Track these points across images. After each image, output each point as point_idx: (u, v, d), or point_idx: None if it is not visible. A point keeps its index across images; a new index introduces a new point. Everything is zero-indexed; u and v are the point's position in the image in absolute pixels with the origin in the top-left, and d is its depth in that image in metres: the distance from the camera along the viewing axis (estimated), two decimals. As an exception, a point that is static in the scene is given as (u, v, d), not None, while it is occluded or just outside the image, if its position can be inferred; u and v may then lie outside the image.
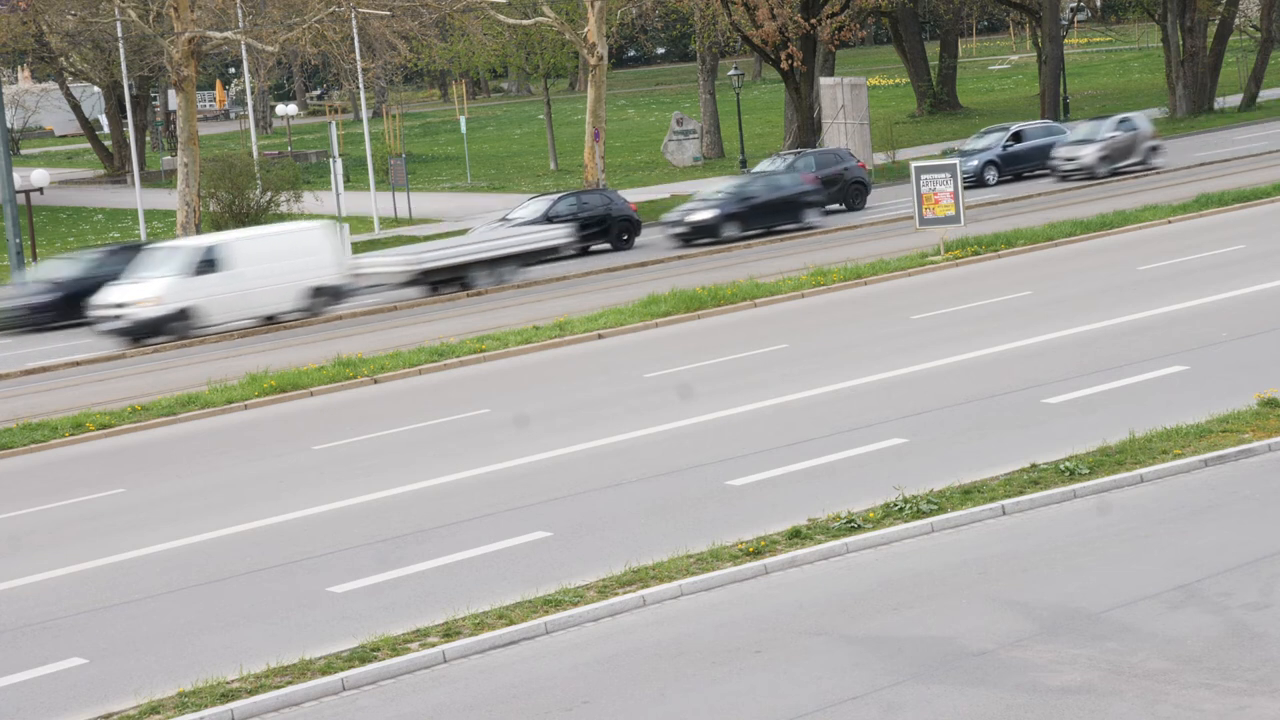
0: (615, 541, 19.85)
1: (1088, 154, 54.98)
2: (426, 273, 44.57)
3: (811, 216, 51.27)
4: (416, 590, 18.81)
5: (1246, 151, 57.83)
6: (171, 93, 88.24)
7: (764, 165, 56.07)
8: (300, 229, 44.66)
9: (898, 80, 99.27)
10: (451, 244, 48.09)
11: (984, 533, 18.97)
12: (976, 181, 56.19)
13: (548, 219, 50.56)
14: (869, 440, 23.37)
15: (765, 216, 50.77)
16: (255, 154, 61.81)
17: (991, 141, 58.68)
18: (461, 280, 44.97)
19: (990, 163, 57.52)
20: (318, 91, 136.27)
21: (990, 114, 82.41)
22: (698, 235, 49.74)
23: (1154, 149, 56.17)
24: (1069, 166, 55.30)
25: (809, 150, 57.53)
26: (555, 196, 52.87)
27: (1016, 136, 58.48)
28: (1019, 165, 58.14)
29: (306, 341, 39.24)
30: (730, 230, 49.77)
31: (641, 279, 43.41)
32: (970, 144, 59.83)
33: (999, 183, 57.20)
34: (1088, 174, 54.77)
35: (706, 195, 51.29)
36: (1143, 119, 57.52)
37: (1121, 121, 56.40)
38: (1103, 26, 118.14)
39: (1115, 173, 54.98)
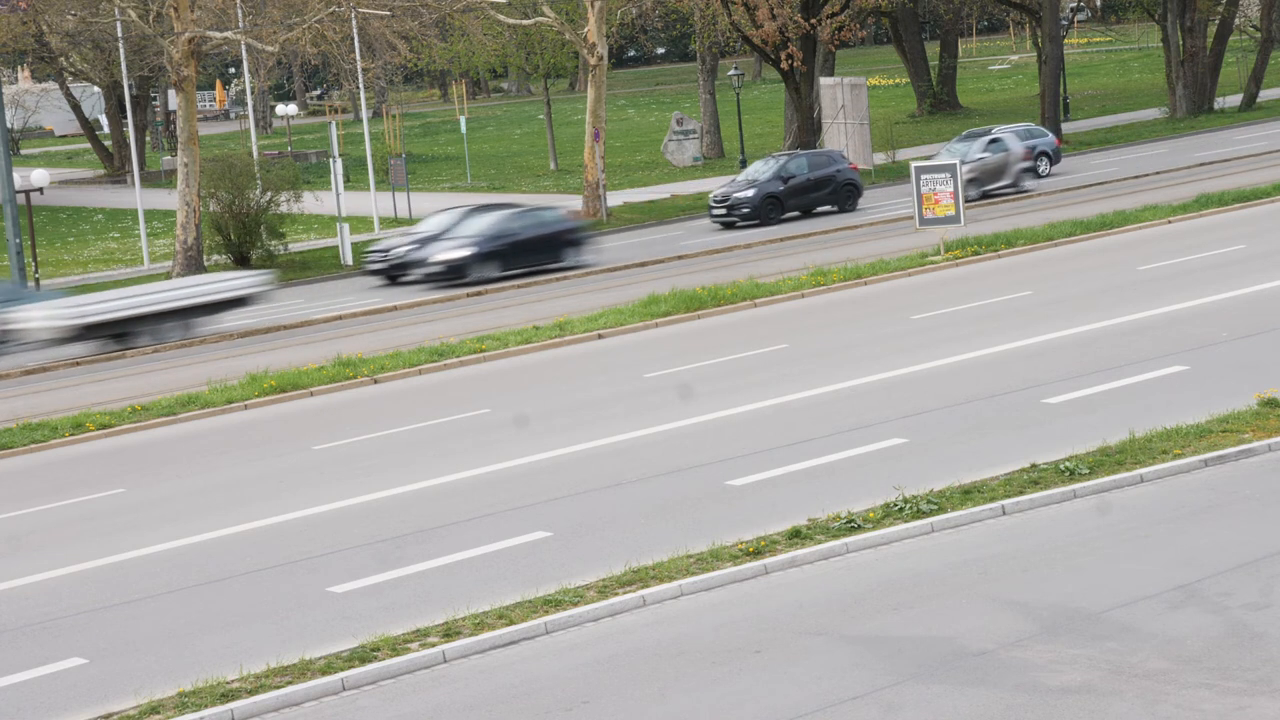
0: (615, 541, 19.85)
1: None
2: (89, 327, 40.02)
3: (574, 256, 47.38)
4: (416, 590, 18.81)
5: (1246, 151, 57.82)
6: (171, 93, 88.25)
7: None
8: None
9: (898, 80, 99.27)
10: (124, 294, 43.02)
11: (984, 533, 18.97)
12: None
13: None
14: (869, 440, 23.37)
15: (524, 256, 46.71)
16: (255, 154, 61.80)
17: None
18: (130, 335, 40.65)
19: (972, 181, 56.67)
20: (318, 91, 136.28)
21: (990, 114, 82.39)
22: (446, 277, 45.86)
23: (1026, 170, 54.04)
24: (969, 178, 51.72)
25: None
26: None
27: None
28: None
29: (306, 341, 39.25)
30: (484, 272, 45.88)
31: (641, 279, 43.41)
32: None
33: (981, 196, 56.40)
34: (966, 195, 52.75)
35: (461, 232, 47.23)
36: (1015, 139, 55.17)
37: (992, 142, 54.43)
38: (1103, 26, 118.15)
39: (986, 195, 52.67)
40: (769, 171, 53.90)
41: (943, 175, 40.95)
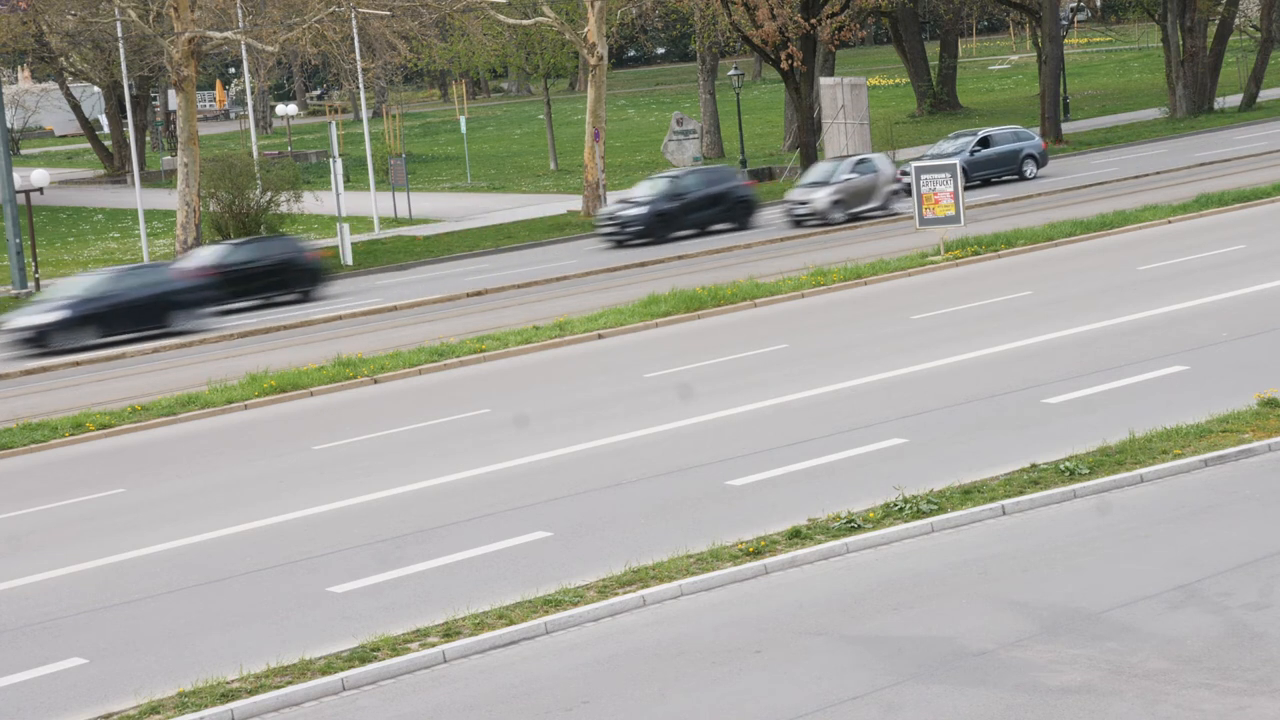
0: (615, 541, 19.85)
1: (820, 198, 50.76)
2: None
3: (187, 320, 42.39)
4: (416, 590, 18.81)
5: (1246, 151, 57.81)
6: (171, 93, 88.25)
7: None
8: None
9: (898, 80, 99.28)
10: None
11: (984, 533, 18.97)
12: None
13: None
14: (869, 440, 23.37)
15: (116, 322, 41.58)
16: (255, 154, 61.80)
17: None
18: None
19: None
20: (318, 91, 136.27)
21: (990, 114, 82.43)
22: (34, 343, 40.80)
23: (896, 192, 51.31)
24: (801, 211, 51.14)
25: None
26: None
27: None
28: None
29: (306, 341, 39.24)
30: (71, 340, 40.83)
31: (641, 279, 43.41)
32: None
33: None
34: (821, 219, 50.58)
35: (47, 297, 43.18)
36: (884, 160, 53.36)
37: (860, 163, 52.27)
38: (1103, 26, 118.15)
39: (855, 218, 50.85)
40: (661, 188, 52.29)
41: (943, 175, 40.93)
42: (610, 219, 52.23)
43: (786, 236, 49.64)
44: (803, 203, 51.21)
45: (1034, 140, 58.06)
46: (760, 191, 55.91)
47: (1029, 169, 57.45)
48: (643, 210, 51.50)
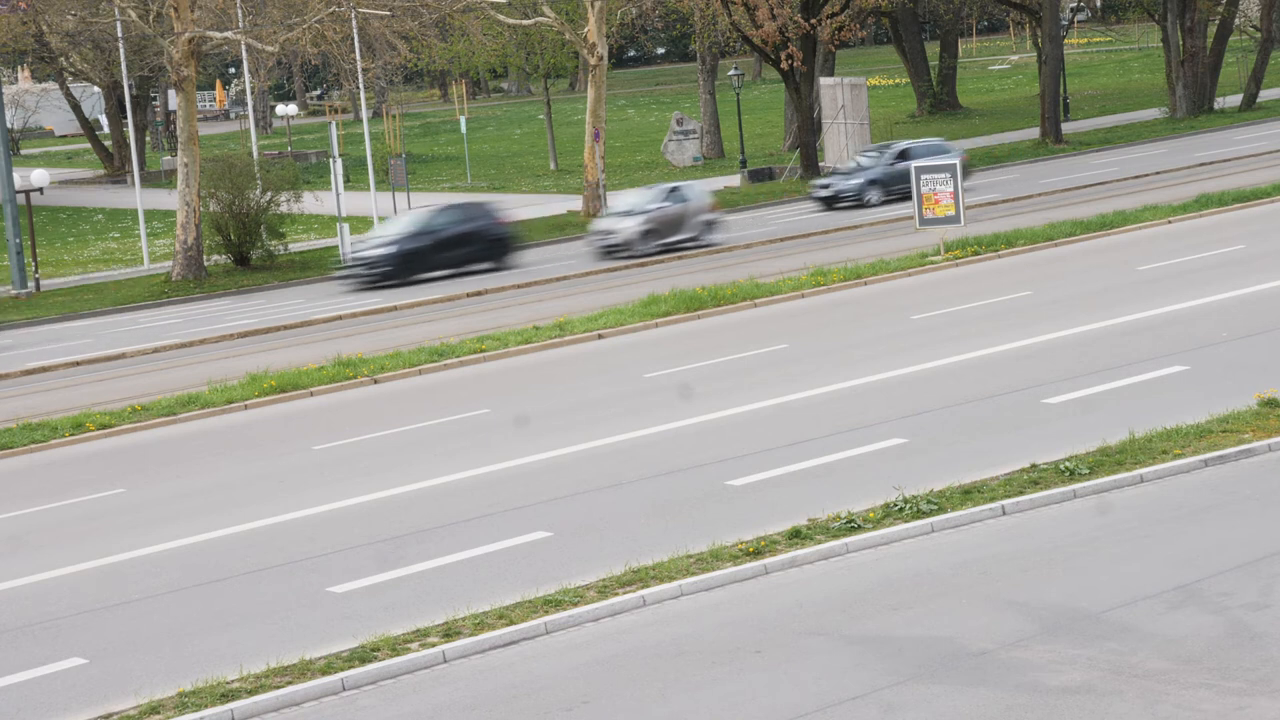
0: (615, 541, 19.85)
1: (630, 228, 48.18)
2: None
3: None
4: (416, 590, 18.81)
5: (1246, 151, 57.82)
6: (171, 93, 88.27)
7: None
8: None
9: (898, 80, 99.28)
10: None
11: (984, 533, 18.97)
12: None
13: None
14: (869, 440, 23.37)
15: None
16: (255, 154, 61.80)
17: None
18: None
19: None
20: (318, 91, 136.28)
21: (990, 114, 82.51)
22: None
23: (710, 223, 49.31)
24: (610, 241, 48.44)
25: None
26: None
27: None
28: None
29: (306, 341, 39.24)
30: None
31: (641, 279, 43.41)
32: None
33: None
34: (628, 251, 47.99)
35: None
36: (697, 190, 51.17)
37: (671, 192, 49.84)
38: (1103, 26, 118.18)
39: (668, 249, 48.32)
40: (410, 226, 49.32)
41: (943, 175, 40.93)
42: (356, 259, 48.83)
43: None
44: (611, 233, 48.53)
45: (955, 153, 54.84)
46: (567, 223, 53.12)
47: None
48: (390, 250, 48.17)
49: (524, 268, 48.71)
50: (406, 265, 48.06)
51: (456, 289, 45.88)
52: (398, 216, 52.14)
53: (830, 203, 55.18)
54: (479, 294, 44.62)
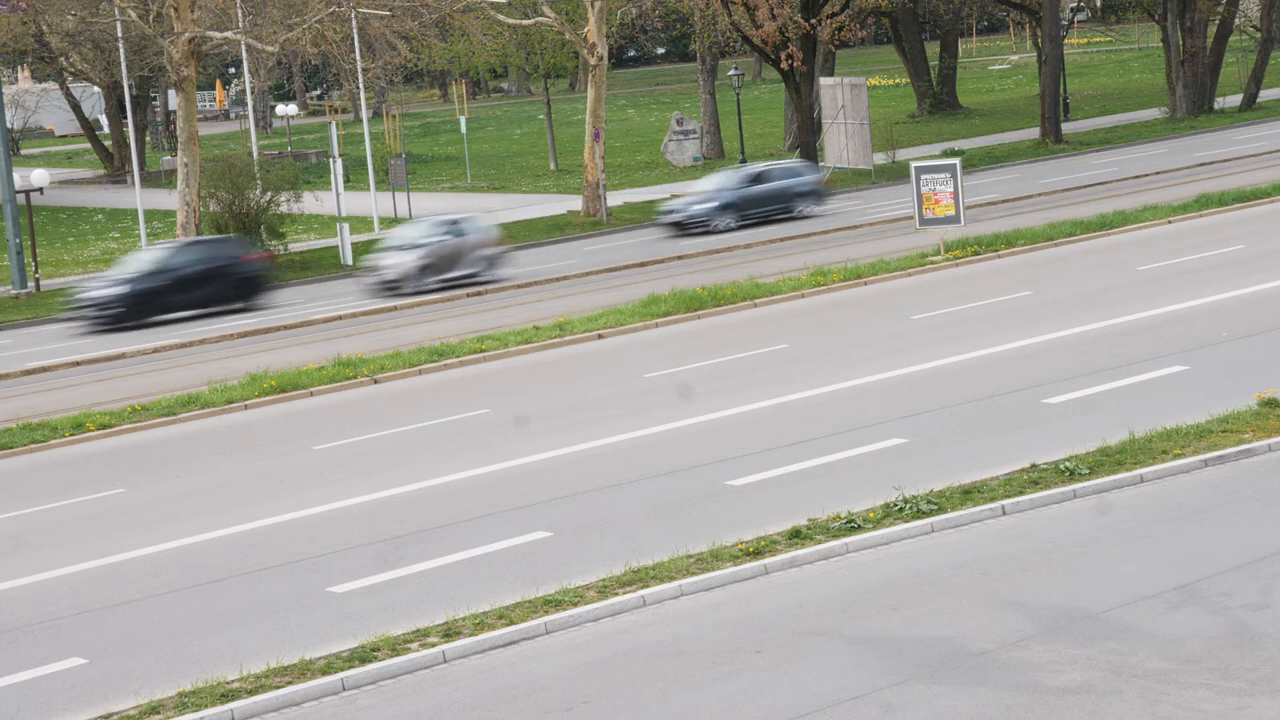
0: (615, 541, 19.86)
1: (405, 263, 45.54)
2: None
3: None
4: (416, 590, 18.81)
5: (1246, 151, 57.80)
6: (171, 93, 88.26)
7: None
8: None
9: (898, 80, 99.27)
10: None
11: (984, 533, 18.97)
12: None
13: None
14: (869, 440, 23.37)
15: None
16: (255, 154, 61.78)
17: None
18: None
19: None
20: (318, 91, 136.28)
21: (990, 114, 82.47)
22: None
23: (493, 258, 46.70)
24: (383, 278, 45.84)
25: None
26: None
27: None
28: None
29: (306, 341, 39.24)
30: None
31: (641, 279, 43.41)
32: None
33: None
34: (404, 288, 45.26)
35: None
36: (479, 224, 48.61)
37: (451, 225, 47.22)
38: (1103, 26, 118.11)
39: (448, 285, 45.67)
40: (149, 264, 45.57)
41: (943, 175, 40.93)
42: (86, 300, 44.85)
43: (593, 270, 46.09)
44: (386, 268, 45.87)
45: (808, 177, 53.96)
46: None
47: (801, 207, 52.90)
48: (121, 290, 44.43)
49: (281, 308, 45.42)
50: (140, 307, 44.31)
51: (180, 337, 42.03)
52: (137, 253, 48.28)
53: (681, 228, 52.07)
54: (479, 294, 44.63)
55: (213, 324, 43.27)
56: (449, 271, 46.00)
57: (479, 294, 44.65)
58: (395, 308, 43.65)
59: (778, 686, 14.99)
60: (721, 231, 51.06)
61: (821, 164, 63.64)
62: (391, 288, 45.41)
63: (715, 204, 52.14)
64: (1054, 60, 67.83)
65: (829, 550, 18.60)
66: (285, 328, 42.25)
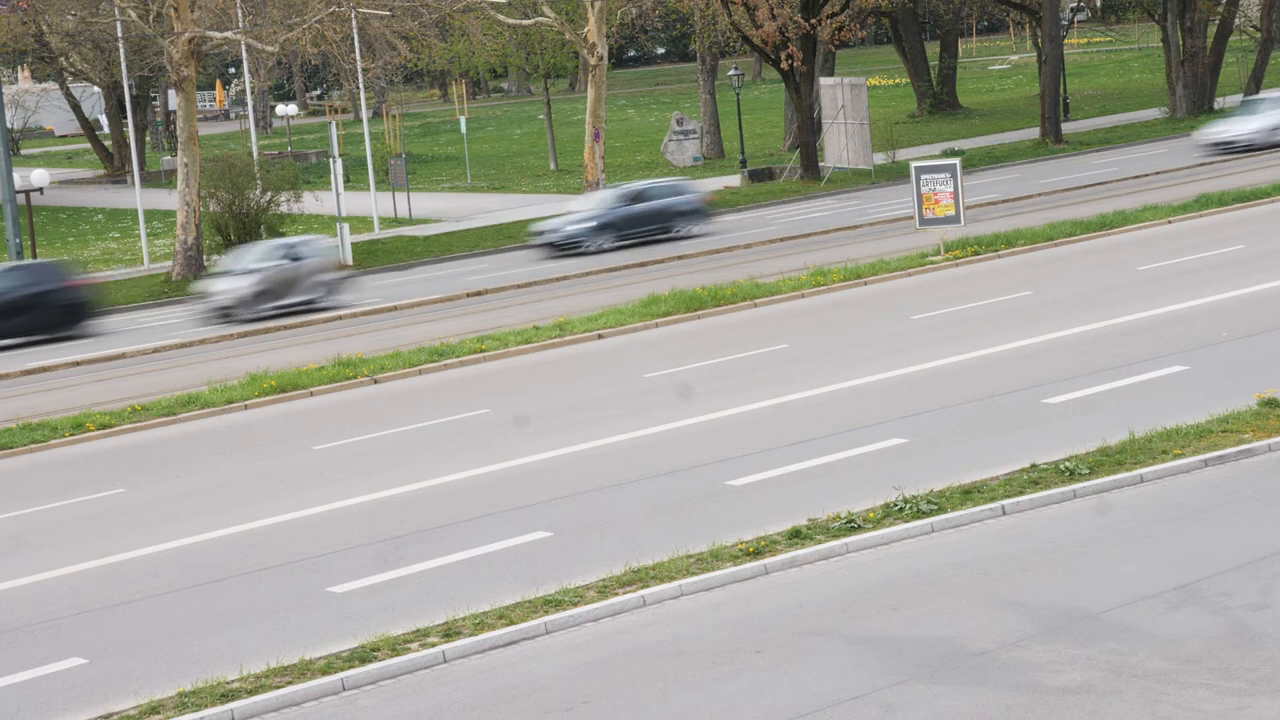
0: (615, 541, 19.86)
1: (239, 289, 43.93)
2: None
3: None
4: (416, 590, 18.81)
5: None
6: (171, 93, 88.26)
7: None
8: None
9: (898, 80, 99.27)
10: None
11: (984, 533, 18.97)
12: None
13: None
14: (869, 440, 23.37)
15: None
16: (255, 154, 61.81)
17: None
18: None
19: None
20: (318, 91, 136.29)
21: (990, 114, 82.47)
22: None
23: (333, 284, 45.32)
24: (217, 303, 43.98)
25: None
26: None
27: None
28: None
29: (306, 341, 39.25)
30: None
31: (641, 279, 43.40)
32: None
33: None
34: (239, 315, 43.57)
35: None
36: (320, 247, 46.96)
37: (289, 249, 45.62)
38: (1103, 26, 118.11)
39: (284, 312, 43.98)
40: None
41: (943, 175, 40.92)
42: None
43: (593, 270, 45.63)
44: (220, 293, 44.22)
45: (690, 197, 52.23)
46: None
47: (682, 227, 51.19)
48: None
49: (108, 335, 43.61)
50: None
51: (596, 265, 45.58)
52: None
53: (556, 248, 50.28)
54: (479, 294, 44.62)
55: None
56: (286, 298, 44.36)
57: (479, 294, 44.54)
58: (395, 307, 43.62)
59: (778, 686, 14.99)
60: (595, 253, 49.15)
61: (790, 165, 63.69)
62: (225, 314, 43.62)
63: (591, 224, 50.24)
64: (1054, 60, 67.82)
65: (829, 550, 18.60)
66: (285, 328, 42.25)
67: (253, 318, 43.34)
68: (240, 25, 61.27)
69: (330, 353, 34.83)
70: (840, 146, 63.59)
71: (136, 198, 59.76)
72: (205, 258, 53.34)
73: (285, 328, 42.20)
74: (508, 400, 29.55)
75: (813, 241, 48.33)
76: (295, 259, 44.96)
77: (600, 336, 35.04)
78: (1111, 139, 67.70)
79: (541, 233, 51.24)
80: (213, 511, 23.49)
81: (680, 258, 45.18)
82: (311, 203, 59.12)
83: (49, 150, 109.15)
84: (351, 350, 35.15)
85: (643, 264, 47.03)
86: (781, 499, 20.86)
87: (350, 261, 52.68)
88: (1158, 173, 55.06)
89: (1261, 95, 62.19)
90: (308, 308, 44.31)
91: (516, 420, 27.53)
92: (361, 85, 62.68)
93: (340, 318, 43.04)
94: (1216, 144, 58.30)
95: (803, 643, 16.07)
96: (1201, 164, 55.51)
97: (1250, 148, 57.09)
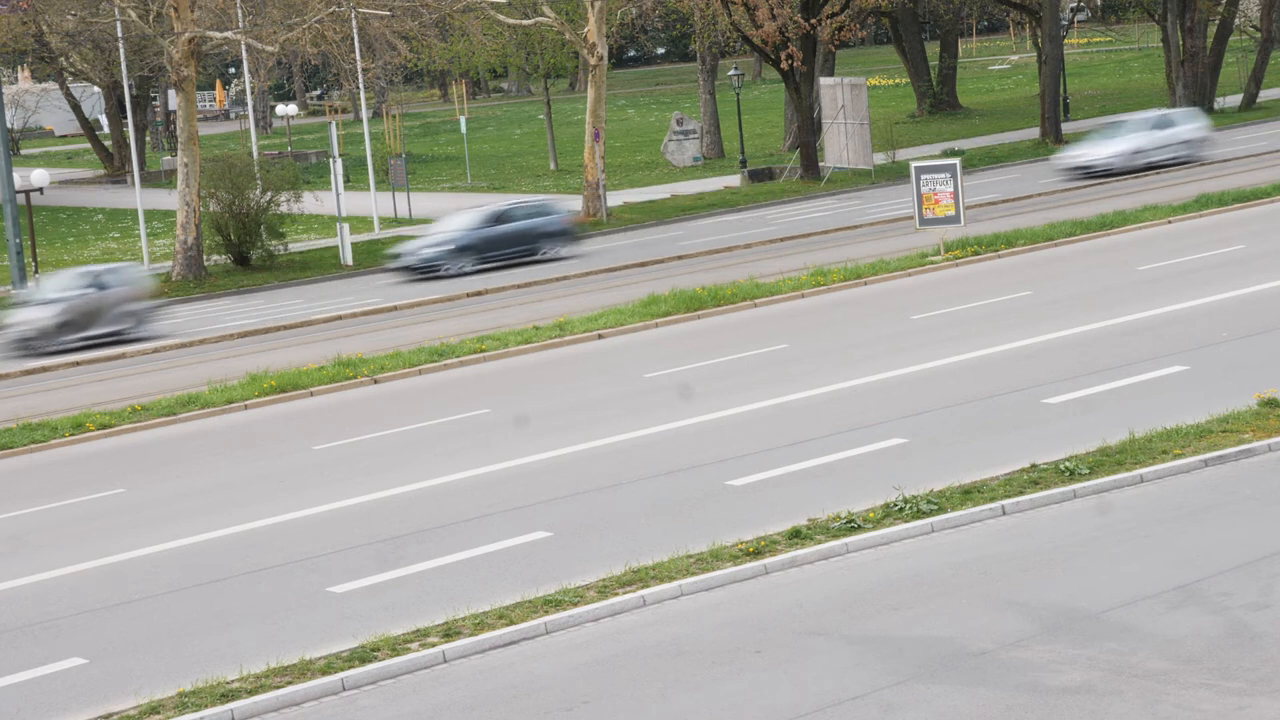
0: (615, 541, 19.86)
1: (42, 319, 42.00)
2: None
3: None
4: (416, 590, 18.81)
5: (1246, 151, 57.79)
6: (171, 93, 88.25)
7: None
8: None
9: (898, 80, 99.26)
10: None
11: (984, 533, 18.97)
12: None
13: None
14: (869, 440, 23.37)
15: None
16: (255, 154, 61.80)
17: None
18: None
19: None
20: (318, 91, 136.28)
21: (990, 114, 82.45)
22: None
23: (141, 313, 43.27)
24: (19, 335, 42.07)
25: None
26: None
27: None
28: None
29: (306, 341, 39.24)
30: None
31: (641, 279, 43.40)
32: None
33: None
34: (44, 347, 41.66)
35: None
36: (129, 275, 45.20)
37: (94, 279, 43.61)
38: (1103, 26, 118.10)
39: (91, 343, 41.81)
40: None
41: (943, 175, 40.92)
42: None
43: (593, 270, 45.38)
44: (23, 324, 42.24)
45: (556, 217, 50.28)
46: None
47: (548, 249, 49.33)
48: None
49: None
50: None
51: (457, 289, 45.35)
52: None
53: (413, 272, 48.47)
54: (479, 294, 44.63)
55: (459, 283, 43.63)
56: (90, 329, 42.36)
57: (479, 294, 44.52)
58: (395, 307, 43.63)
59: (778, 686, 14.99)
60: (454, 276, 47.36)
61: (790, 165, 63.66)
62: (26, 346, 41.73)
63: (450, 246, 48.27)
64: (1054, 60, 67.82)
65: (829, 550, 18.60)
66: (285, 328, 42.25)
67: (55, 350, 41.41)
68: (240, 25, 61.27)
69: (330, 353, 34.83)
70: (840, 146, 63.58)
71: (136, 198, 59.75)
72: (205, 258, 53.37)
73: (285, 327, 42.21)
74: (508, 400, 29.55)
75: (813, 241, 48.33)
76: (100, 288, 43.04)
77: (600, 336, 35.04)
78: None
79: (399, 255, 49.30)
80: (213, 511, 23.50)
81: (562, 278, 43.67)
82: (311, 203, 59.12)
83: (49, 150, 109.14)
84: (351, 350, 35.15)
85: (643, 264, 46.98)
86: (781, 499, 20.86)
87: (350, 262, 52.67)
88: (1158, 173, 55.03)
89: (1123, 117, 58.63)
90: (115, 339, 42.29)
91: (516, 420, 27.53)
92: (361, 85, 62.67)
93: (340, 317, 43.05)
94: (1073, 169, 55.04)
95: (803, 643, 16.07)
96: (1202, 164, 55.37)
97: (1109, 173, 54.09)
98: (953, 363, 28.17)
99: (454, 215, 50.93)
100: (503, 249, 48.88)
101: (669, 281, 39.97)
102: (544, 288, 44.78)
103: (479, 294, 44.64)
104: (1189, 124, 56.30)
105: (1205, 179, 50.63)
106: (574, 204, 61.05)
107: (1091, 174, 54.51)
